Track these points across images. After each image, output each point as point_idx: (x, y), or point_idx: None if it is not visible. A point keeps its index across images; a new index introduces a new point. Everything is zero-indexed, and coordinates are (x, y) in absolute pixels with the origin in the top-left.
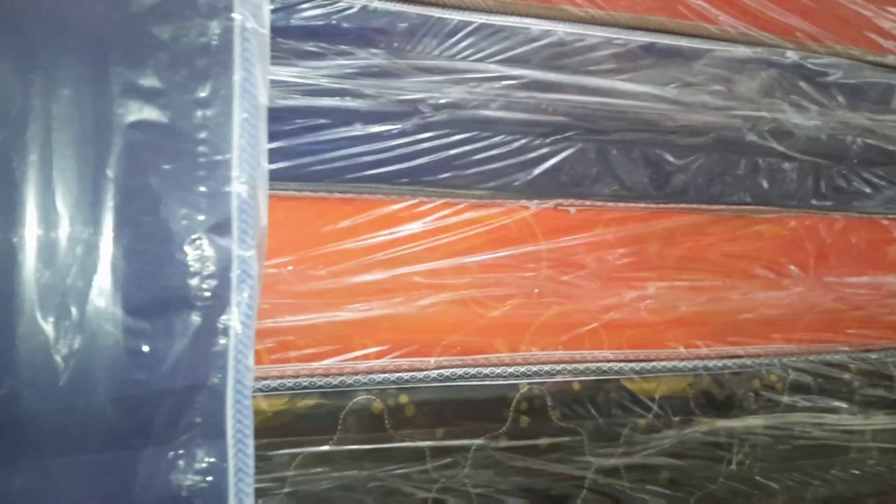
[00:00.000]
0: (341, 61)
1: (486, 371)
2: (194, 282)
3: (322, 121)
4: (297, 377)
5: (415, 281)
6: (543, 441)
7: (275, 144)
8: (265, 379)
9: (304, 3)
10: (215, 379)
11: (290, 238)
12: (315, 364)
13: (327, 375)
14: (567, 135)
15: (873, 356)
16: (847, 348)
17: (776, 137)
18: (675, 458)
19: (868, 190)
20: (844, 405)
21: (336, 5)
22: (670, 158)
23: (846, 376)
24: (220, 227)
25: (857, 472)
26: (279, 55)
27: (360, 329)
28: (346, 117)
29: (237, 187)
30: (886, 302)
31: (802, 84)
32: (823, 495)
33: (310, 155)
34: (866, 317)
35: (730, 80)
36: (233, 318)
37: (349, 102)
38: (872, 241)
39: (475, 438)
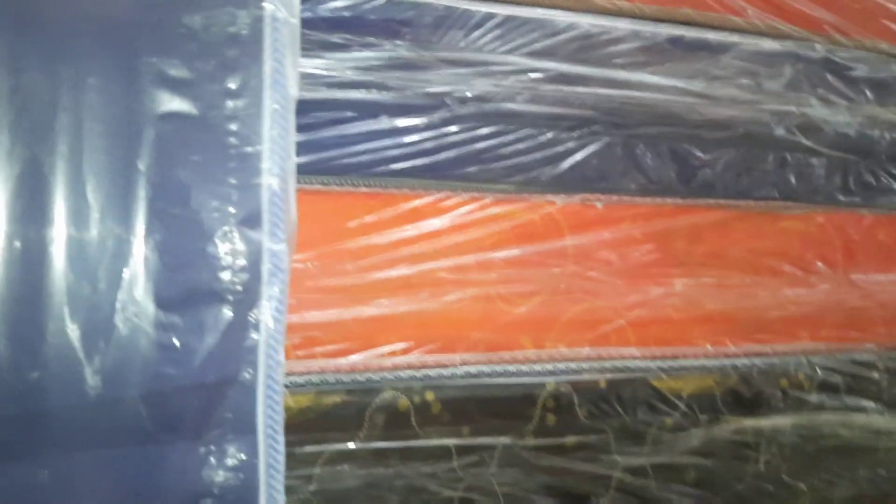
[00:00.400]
0: (367, 53)
1: (511, 368)
2: (225, 275)
3: (348, 113)
4: (323, 373)
5: (440, 276)
6: (570, 439)
7: (300, 137)
8: (291, 375)
9: None
10: (246, 374)
11: (316, 233)
12: (341, 360)
13: (353, 372)
14: (593, 129)
15: None
16: (875, 346)
17: (804, 132)
18: (702, 457)
19: None
20: (872, 404)
21: None
22: (697, 153)
23: (874, 375)
24: (250, 220)
25: (884, 472)
26: (305, 47)
27: (386, 325)
28: (372, 110)
29: (268, 179)
30: None
31: (830, 78)
32: (850, 496)
33: (335, 148)
34: (894, 315)
35: (757, 74)
36: (264, 313)
37: (375, 95)
38: None
39: (501, 436)
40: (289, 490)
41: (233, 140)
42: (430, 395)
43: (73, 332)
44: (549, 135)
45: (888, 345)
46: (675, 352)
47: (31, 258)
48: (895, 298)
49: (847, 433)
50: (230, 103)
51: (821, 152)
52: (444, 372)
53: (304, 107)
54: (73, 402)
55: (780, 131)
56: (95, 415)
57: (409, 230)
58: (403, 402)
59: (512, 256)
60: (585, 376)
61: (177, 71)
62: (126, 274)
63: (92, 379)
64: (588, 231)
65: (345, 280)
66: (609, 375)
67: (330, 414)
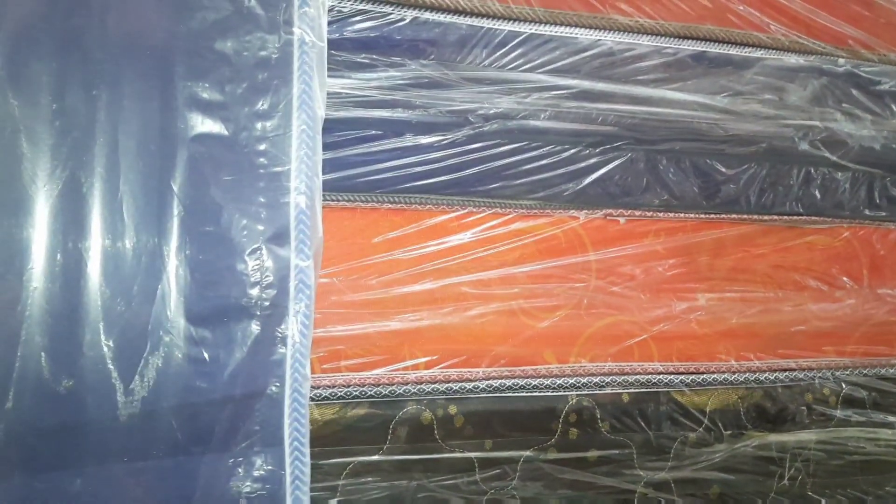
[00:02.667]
0: (392, 72)
1: (534, 382)
2: (254, 291)
3: (373, 132)
4: (348, 386)
5: (463, 291)
6: (592, 453)
7: (326, 155)
8: (317, 388)
9: (356, 15)
10: (273, 387)
11: (341, 248)
12: (365, 373)
13: (377, 385)
14: (616, 144)
15: None
16: None
17: (829, 147)
18: (725, 472)
19: None
20: None
21: (388, 17)
22: (721, 168)
23: None
24: (278, 238)
25: None
26: (331, 67)
27: (410, 339)
28: (397, 128)
29: (296, 198)
30: None
31: (855, 92)
32: None
33: (361, 166)
34: None
35: (781, 89)
36: (291, 328)
37: (400, 113)
38: None
39: (524, 450)
40: (314, 501)
41: (262, 160)
42: (453, 409)
43: (108, 345)
44: (572, 151)
45: None
46: (698, 366)
47: (69, 275)
48: None
49: (872, 448)
50: (260, 125)
51: (846, 167)
52: (467, 385)
53: (330, 125)
54: (107, 415)
55: (804, 146)
56: (129, 427)
57: (433, 246)
58: (427, 415)
59: (535, 271)
60: (608, 390)
61: (209, 94)
62: (159, 290)
63: (126, 392)
64: (611, 246)
65: (370, 295)
66: (632, 390)
67: (354, 426)
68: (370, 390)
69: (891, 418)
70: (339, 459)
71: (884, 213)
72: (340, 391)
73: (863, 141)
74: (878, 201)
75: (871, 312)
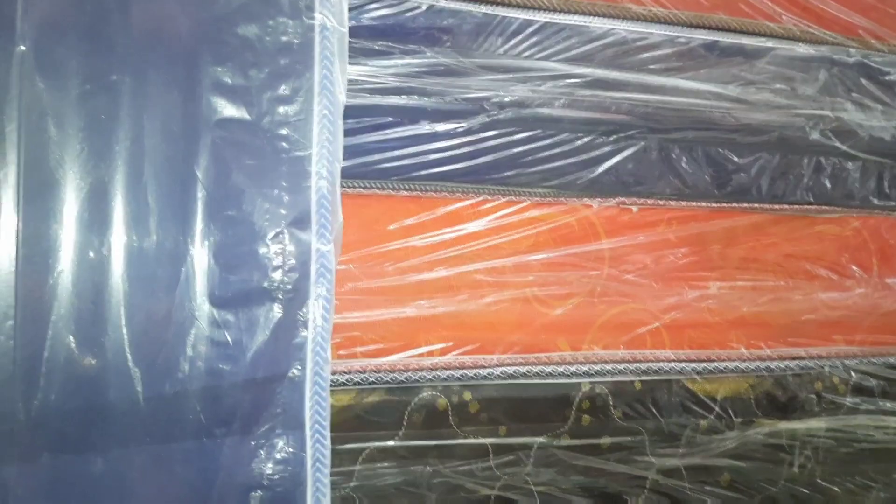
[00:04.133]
0: (409, 60)
1: (548, 369)
2: (276, 275)
3: (389, 119)
4: (364, 372)
5: (478, 279)
6: (605, 440)
7: (343, 142)
8: (333, 374)
9: (373, 2)
10: (295, 370)
11: (358, 235)
12: (381, 360)
13: (393, 371)
14: (629, 133)
15: None
16: None
17: (839, 136)
18: (736, 459)
19: None
20: None
21: (404, 5)
22: (732, 157)
23: None
24: (300, 222)
25: None
26: (349, 54)
27: (425, 326)
28: (413, 115)
29: (317, 182)
30: None
31: (865, 82)
32: (886, 500)
33: (376, 153)
34: None
35: (792, 79)
36: (312, 311)
37: (416, 101)
38: None
39: (537, 436)
40: (330, 486)
41: (284, 145)
42: (467, 395)
43: (132, 328)
44: (586, 139)
45: None
46: (709, 354)
47: (94, 258)
48: None
49: (881, 437)
50: (282, 109)
51: (856, 156)
52: (482, 372)
53: (346, 112)
54: (131, 397)
55: (815, 135)
56: (152, 409)
57: (449, 233)
58: (442, 401)
59: (549, 259)
60: (621, 378)
61: (233, 79)
62: (182, 273)
63: (149, 374)
64: (624, 234)
65: (385, 281)
66: (644, 377)
67: (370, 412)
68: (386, 376)
69: None
70: (354, 445)
71: (893, 203)
72: (356, 377)
73: (873, 131)
74: (887, 191)
75: (881, 302)
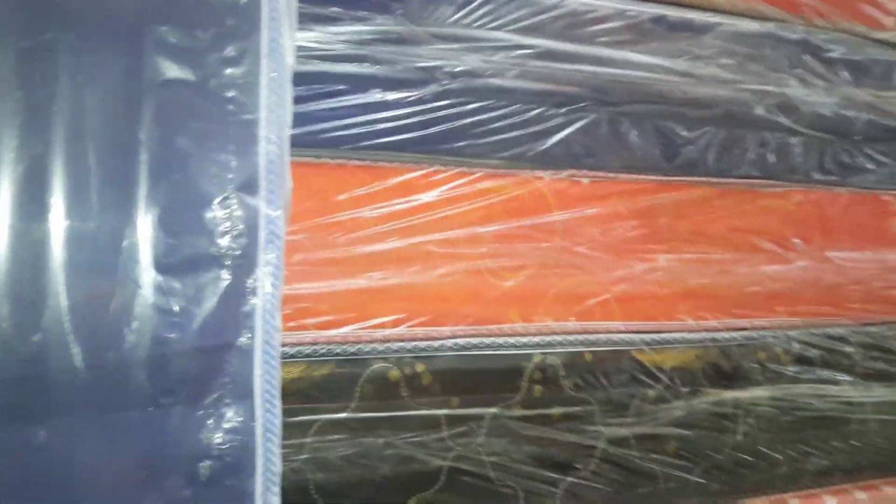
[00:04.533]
0: (359, 27)
1: (500, 341)
2: (224, 241)
3: (340, 87)
4: (315, 345)
5: (430, 250)
6: (556, 410)
7: (293, 109)
8: (282, 346)
9: None
10: (244, 339)
11: (307, 205)
12: (332, 332)
13: (344, 343)
14: (580, 105)
15: (873, 329)
16: (848, 322)
17: (783, 112)
18: (683, 428)
19: (870, 165)
20: (846, 377)
21: None
22: (681, 131)
23: (847, 349)
24: (248, 187)
25: (857, 443)
26: (298, 20)
27: (377, 297)
28: (364, 84)
29: (266, 147)
30: (887, 277)
31: (808, 59)
32: (824, 466)
33: (327, 121)
34: (867, 291)
35: (738, 54)
36: (261, 278)
37: (367, 69)
38: (874, 216)
39: (489, 407)
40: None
41: (231, 107)
42: (420, 367)
43: (73, 297)
44: (538, 111)
45: (861, 320)
46: (658, 326)
47: (33, 224)
48: (869, 275)
49: (821, 405)
50: (229, 71)
51: (799, 132)
52: (434, 344)
53: (296, 79)
54: (74, 366)
55: (759, 111)
56: (96, 378)
57: (400, 204)
58: (394, 373)
59: (501, 231)
60: (571, 349)
61: (177, 39)
62: (126, 239)
63: (91, 343)
64: (575, 207)
65: (336, 253)
66: (594, 348)
67: (321, 384)
68: (337, 349)
69: (838, 376)
70: (305, 417)
71: (834, 178)
72: (307, 349)
73: (815, 107)
74: (828, 166)
75: (822, 274)
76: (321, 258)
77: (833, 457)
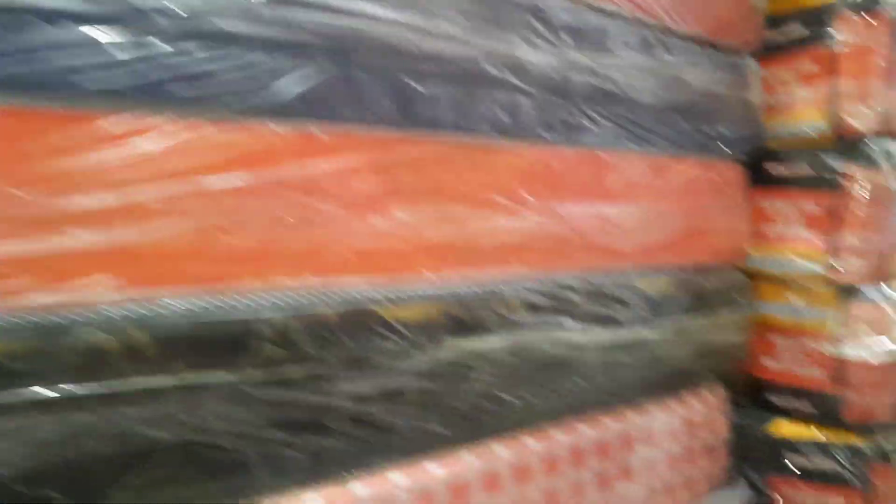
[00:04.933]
0: None
1: (232, 303)
2: None
3: (35, 19)
4: (9, 315)
5: (148, 206)
6: (296, 372)
7: None
8: None
9: None
10: None
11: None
12: (29, 299)
13: (46, 312)
14: (315, 56)
15: (595, 278)
16: (575, 271)
17: (513, 72)
18: (426, 380)
19: (591, 126)
20: (572, 322)
21: None
22: (417, 87)
23: (573, 297)
24: None
25: (581, 382)
26: None
27: (85, 259)
28: (66, 17)
29: None
30: (606, 229)
31: (534, 22)
32: (554, 405)
33: (24, 62)
34: (589, 242)
35: (470, 13)
36: None
37: (71, 2)
38: (595, 173)
39: (223, 373)
40: None
41: None
42: (138, 334)
43: None
44: (271, 60)
45: (585, 268)
46: (398, 280)
47: None
48: (591, 227)
49: (551, 349)
50: None
51: (528, 91)
52: (156, 309)
53: None
54: None
55: (491, 70)
56: None
57: (111, 154)
58: (108, 343)
59: (230, 186)
60: (310, 308)
61: None
62: None
63: None
64: (311, 160)
65: (31, 210)
66: (335, 306)
67: (21, 359)
68: (38, 318)
69: (565, 321)
70: (4, 397)
71: (560, 137)
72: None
73: (541, 68)
74: (554, 125)
75: (550, 227)
76: (13, 215)
77: (562, 396)
